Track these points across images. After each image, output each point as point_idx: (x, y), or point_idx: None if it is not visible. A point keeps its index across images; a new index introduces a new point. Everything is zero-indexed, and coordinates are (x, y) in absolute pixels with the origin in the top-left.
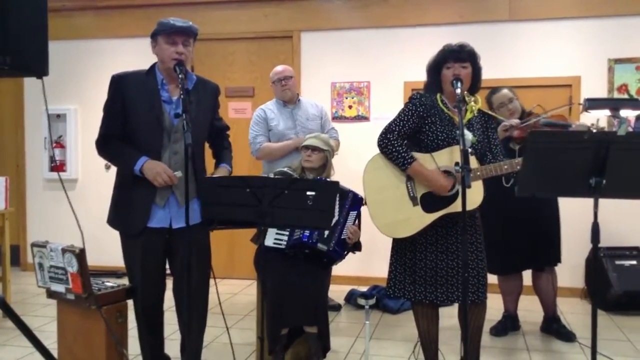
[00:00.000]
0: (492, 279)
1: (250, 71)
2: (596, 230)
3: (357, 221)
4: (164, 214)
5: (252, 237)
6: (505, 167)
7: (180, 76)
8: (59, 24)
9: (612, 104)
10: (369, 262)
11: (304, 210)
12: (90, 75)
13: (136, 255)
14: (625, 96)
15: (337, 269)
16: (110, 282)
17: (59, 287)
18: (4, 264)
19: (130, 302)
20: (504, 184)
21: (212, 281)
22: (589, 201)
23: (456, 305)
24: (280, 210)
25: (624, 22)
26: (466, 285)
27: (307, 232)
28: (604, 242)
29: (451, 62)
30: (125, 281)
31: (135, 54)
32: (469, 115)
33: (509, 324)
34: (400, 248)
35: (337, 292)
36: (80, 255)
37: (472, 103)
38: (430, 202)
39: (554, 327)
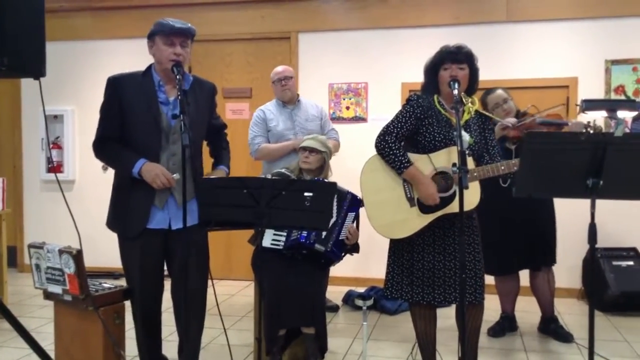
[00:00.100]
0: (489, 279)
1: (248, 72)
2: (593, 231)
3: (355, 222)
4: (162, 216)
5: (250, 238)
6: (503, 167)
7: (177, 77)
8: (56, 25)
9: (609, 105)
10: (366, 263)
11: (301, 211)
12: (87, 76)
13: (135, 256)
14: (622, 97)
15: (335, 270)
16: (108, 284)
17: (56, 289)
18: (0, 265)
19: (127, 304)
20: (502, 183)
21: (209, 282)
22: (586, 202)
23: (454, 306)
24: (278, 211)
25: (620, 23)
26: (464, 286)
27: (304, 233)
28: (601, 243)
29: (448, 63)
30: (122, 282)
31: (133, 55)
32: (466, 117)
33: (506, 325)
34: (398, 249)
35: (334, 293)
36: (78, 257)
37: (470, 104)
38: (426, 204)
39: (551, 328)
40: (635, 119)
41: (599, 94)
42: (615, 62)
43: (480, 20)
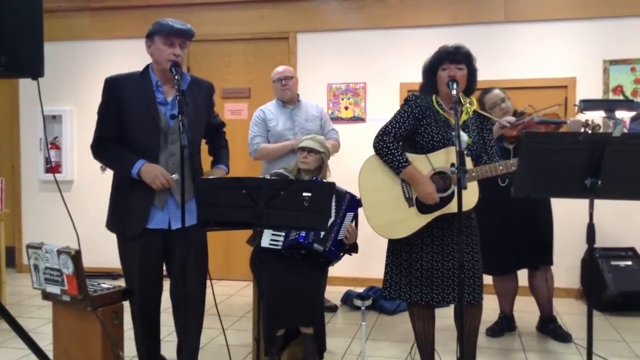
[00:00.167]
0: (487, 279)
1: (247, 72)
2: (592, 231)
3: (354, 222)
4: (162, 216)
5: (248, 239)
6: (501, 167)
7: (176, 77)
8: (54, 25)
9: (607, 105)
10: (365, 263)
11: (300, 211)
12: (85, 76)
13: (134, 257)
14: (620, 97)
15: (334, 270)
16: (106, 284)
17: (55, 289)
18: None
19: (126, 304)
20: (500, 183)
21: (208, 282)
22: (585, 202)
23: (452, 306)
24: (277, 212)
25: (619, 23)
26: (462, 286)
27: (303, 233)
28: (599, 243)
29: (447, 63)
30: (121, 283)
31: (132, 55)
32: (464, 117)
33: (505, 325)
34: (396, 249)
35: (333, 293)
36: (76, 257)
37: (468, 104)
38: (425, 203)
39: (550, 328)
40: (633, 119)
41: (597, 94)
42: (614, 62)
43: (478, 21)
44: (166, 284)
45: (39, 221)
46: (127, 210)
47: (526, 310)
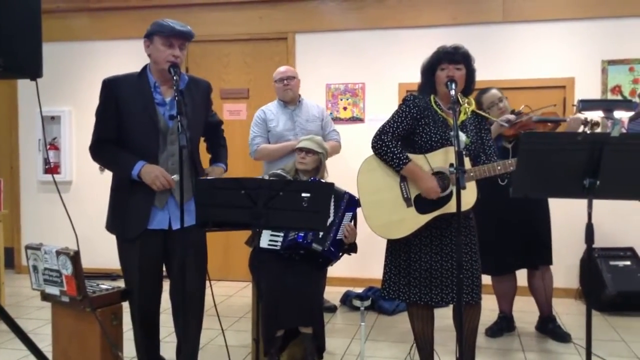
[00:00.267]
0: (486, 279)
1: (245, 73)
2: (590, 231)
3: (353, 222)
4: (163, 216)
5: (247, 240)
6: (499, 167)
7: (175, 78)
8: (52, 26)
9: (606, 105)
10: (364, 263)
11: (299, 211)
12: (84, 77)
13: (134, 257)
14: (619, 97)
15: (333, 271)
16: (105, 285)
17: (54, 290)
18: None
19: (125, 304)
20: (500, 182)
21: (207, 283)
22: (583, 202)
23: (451, 307)
24: (275, 212)
25: (617, 23)
26: (461, 286)
27: (301, 233)
28: (598, 243)
29: (445, 63)
30: (120, 284)
31: (130, 56)
32: (462, 117)
33: (504, 325)
34: (395, 249)
35: (332, 294)
36: (75, 258)
37: (466, 105)
38: (424, 203)
39: (549, 327)
40: (631, 119)
41: (595, 94)
42: (612, 62)
43: (476, 21)
44: (165, 285)
45: (37, 222)
46: (127, 211)
47: (525, 311)
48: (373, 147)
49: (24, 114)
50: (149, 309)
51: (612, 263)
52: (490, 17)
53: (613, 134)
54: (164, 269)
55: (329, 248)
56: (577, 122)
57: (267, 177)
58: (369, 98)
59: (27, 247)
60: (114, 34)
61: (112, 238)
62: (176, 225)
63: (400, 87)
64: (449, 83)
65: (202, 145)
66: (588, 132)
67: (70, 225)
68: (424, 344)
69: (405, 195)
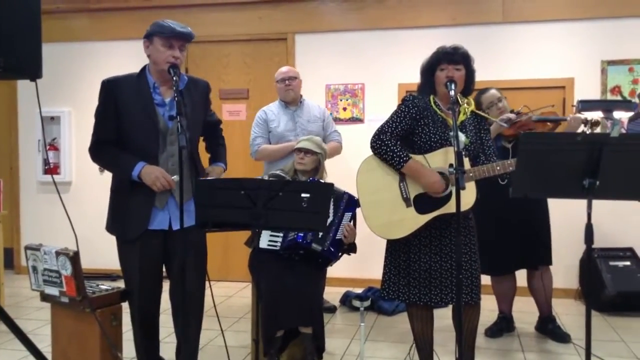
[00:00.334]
0: (486, 280)
1: (245, 73)
2: (590, 231)
3: (352, 222)
4: (163, 216)
5: (246, 241)
6: (498, 168)
7: (174, 78)
8: (52, 26)
9: (605, 106)
10: (364, 263)
11: (298, 212)
12: (84, 78)
13: (134, 258)
14: (618, 98)
15: (332, 271)
16: (105, 285)
17: (53, 290)
18: None
19: (125, 305)
20: (500, 181)
21: (207, 283)
22: (583, 202)
23: (451, 307)
24: (275, 212)
25: (616, 24)
26: (460, 287)
27: (301, 233)
28: (597, 243)
29: (445, 64)
30: (119, 284)
31: (130, 56)
32: (462, 117)
33: (503, 325)
34: (394, 250)
35: (332, 294)
36: (74, 258)
37: (465, 105)
38: (423, 203)
39: (549, 328)
40: (631, 119)
41: (595, 94)
42: (612, 62)
43: (476, 21)
44: (165, 285)
45: (37, 222)
46: (127, 212)
47: (525, 311)
48: (372, 146)
49: (24, 115)
50: (148, 310)
51: (611, 263)
52: (489, 18)
53: (612, 134)
54: (164, 269)
55: (329, 248)
56: (577, 121)
57: (266, 178)
58: (368, 98)
59: (27, 248)
60: (113, 34)
61: (112, 238)
62: (176, 226)
63: (400, 87)
64: (448, 83)
65: (202, 145)
66: (588, 132)
67: (69, 225)
68: (424, 344)
69: (405, 196)
